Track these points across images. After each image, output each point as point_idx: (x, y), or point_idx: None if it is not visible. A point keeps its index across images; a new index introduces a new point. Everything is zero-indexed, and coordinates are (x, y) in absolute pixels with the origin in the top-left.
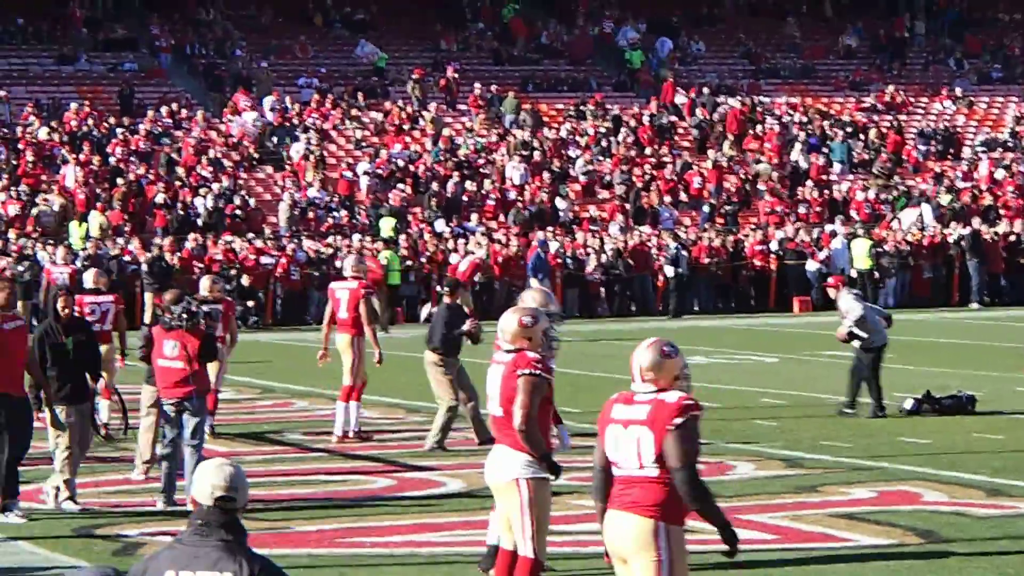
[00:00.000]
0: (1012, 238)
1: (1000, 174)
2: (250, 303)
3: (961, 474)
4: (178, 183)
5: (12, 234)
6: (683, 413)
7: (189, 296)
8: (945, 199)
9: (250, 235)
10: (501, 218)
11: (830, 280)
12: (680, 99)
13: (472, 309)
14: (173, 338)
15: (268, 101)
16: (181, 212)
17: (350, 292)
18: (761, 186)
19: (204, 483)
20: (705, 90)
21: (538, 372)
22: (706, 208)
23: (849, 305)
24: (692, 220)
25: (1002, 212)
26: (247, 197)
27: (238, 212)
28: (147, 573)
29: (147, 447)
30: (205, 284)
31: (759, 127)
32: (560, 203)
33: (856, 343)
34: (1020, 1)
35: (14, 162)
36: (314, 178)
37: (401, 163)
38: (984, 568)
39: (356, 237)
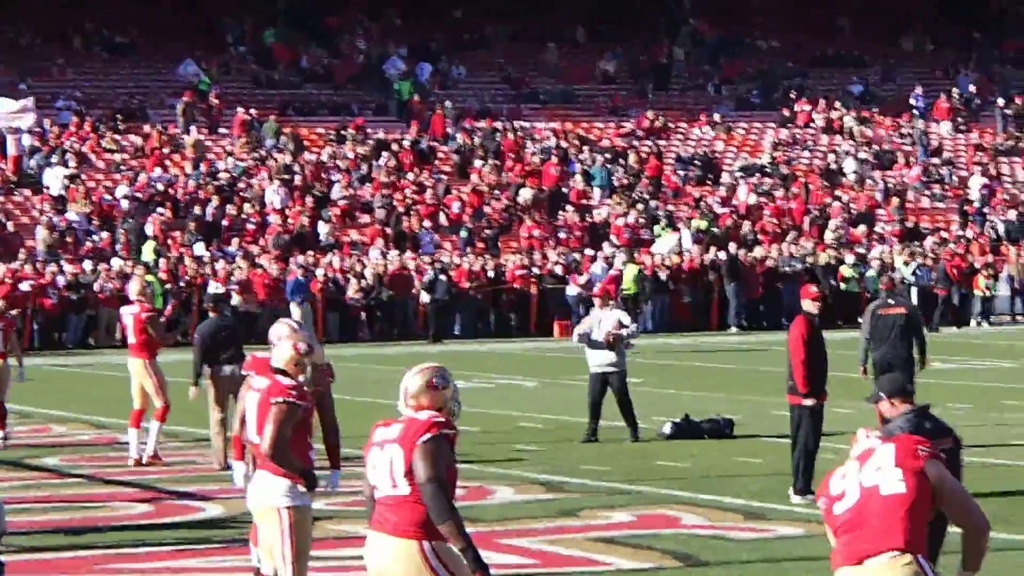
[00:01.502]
0: (770, 263)
1: (757, 199)
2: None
3: (719, 497)
4: None
5: None
6: (432, 430)
7: None
8: (703, 224)
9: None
10: (261, 241)
11: (596, 289)
12: (443, 125)
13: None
14: None
15: (26, 124)
16: None
17: (134, 317)
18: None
19: None
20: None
21: (291, 400)
22: (464, 233)
23: (622, 315)
24: (453, 244)
25: (760, 237)
26: (4, 221)
27: None
28: None
29: None
30: None
31: (520, 151)
32: (321, 227)
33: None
34: (778, 29)
35: None
36: (75, 202)
37: (161, 187)
38: None
39: (116, 261)
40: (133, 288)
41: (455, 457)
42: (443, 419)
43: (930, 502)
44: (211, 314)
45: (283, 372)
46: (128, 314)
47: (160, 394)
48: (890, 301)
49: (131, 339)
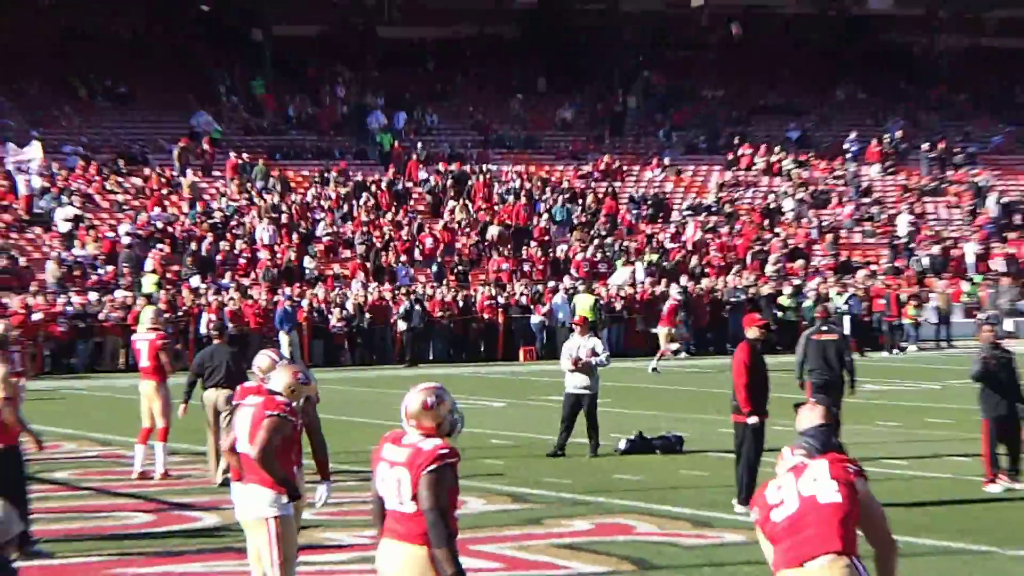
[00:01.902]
0: (716, 293)
1: (704, 236)
2: (15, 349)
3: (670, 507)
4: None
5: None
6: (437, 460)
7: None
8: (655, 258)
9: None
10: (252, 274)
11: (575, 319)
12: (417, 168)
13: None
14: None
15: (36, 168)
16: None
17: (149, 343)
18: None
19: None
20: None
21: (283, 414)
22: (436, 266)
23: (597, 344)
24: (427, 277)
25: (707, 270)
26: (17, 256)
27: (8, 269)
28: None
29: None
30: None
31: (488, 192)
32: (307, 261)
33: (592, 364)
34: (723, 79)
35: None
36: (85, 246)
37: (160, 224)
38: None
39: (119, 292)
40: (146, 317)
41: (457, 479)
42: (447, 449)
43: (858, 512)
44: (215, 341)
45: (278, 394)
46: (143, 340)
47: (164, 416)
48: (823, 328)
49: (144, 363)
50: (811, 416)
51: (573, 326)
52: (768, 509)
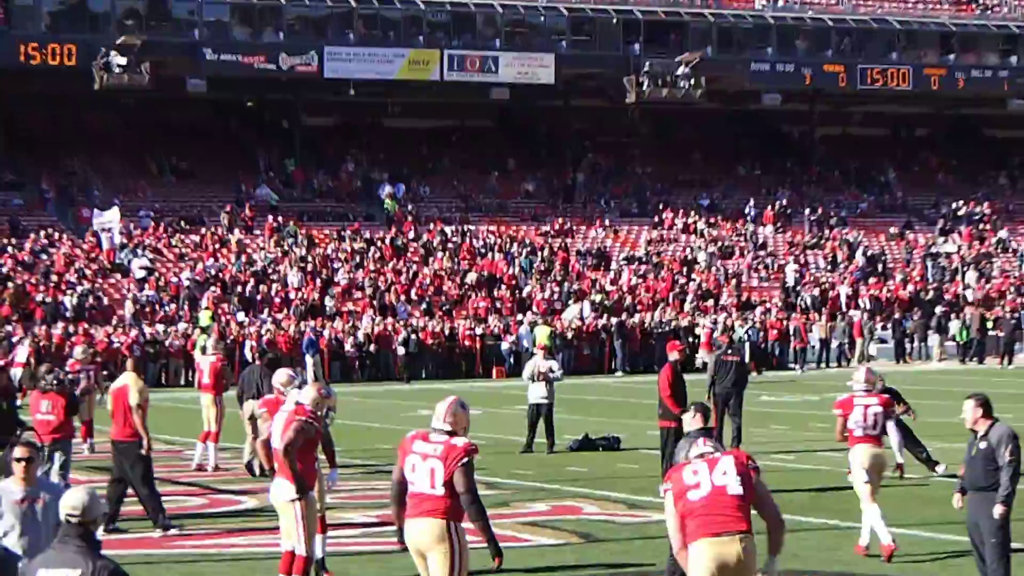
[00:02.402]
0: (646, 325)
1: (636, 280)
2: (104, 371)
3: (610, 493)
4: (52, 286)
5: None
6: (468, 455)
7: (59, 367)
8: (598, 298)
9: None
10: (285, 311)
11: (538, 345)
12: (413, 228)
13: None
14: (47, 398)
15: (117, 228)
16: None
17: (210, 364)
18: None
19: (63, 505)
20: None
21: (308, 419)
22: (428, 304)
23: (553, 364)
24: (420, 313)
25: (638, 307)
26: (102, 296)
27: (95, 306)
28: (26, 571)
29: None
30: (78, 352)
31: (469, 246)
32: (327, 301)
33: (549, 378)
34: (650, 160)
35: None
36: (152, 283)
37: (213, 272)
38: (625, 555)
39: (181, 325)
40: (210, 345)
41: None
42: (473, 446)
43: (753, 498)
44: (257, 362)
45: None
46: (206, 362)
47: (218, 423)
48: (728, 351)
49: (206, 380)
50: (694, 421)
51: (535, 351)
52: (685, 488)
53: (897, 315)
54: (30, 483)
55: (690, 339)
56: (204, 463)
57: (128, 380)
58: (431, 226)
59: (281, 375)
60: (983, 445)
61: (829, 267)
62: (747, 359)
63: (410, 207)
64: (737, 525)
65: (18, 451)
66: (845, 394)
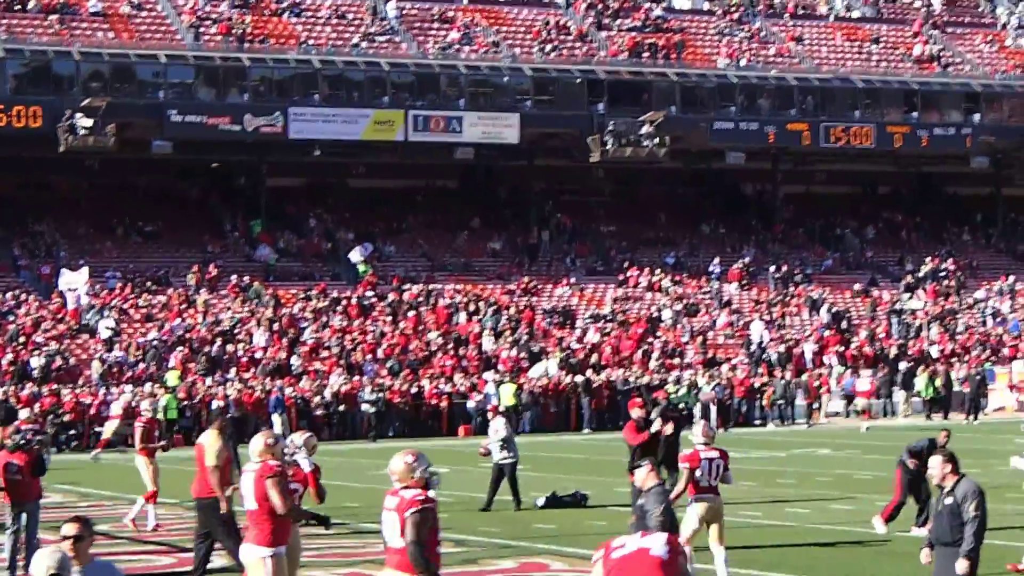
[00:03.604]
0: (612, 383)
1: (602, 338)
2: (71, 431)
3: (577, 550)
4: (19, 347)
5: None
6: (415, 504)
7: (31, 429)
8: (564, 355)
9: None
10: (252, 371)
11: (490, 406)
12: (379, 287)
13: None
14: (15, 459)
15: (84, 289)
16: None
17: (142, 423)
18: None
19: (40, 564)
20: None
21: (278, 471)
22: (394, 363)
23: (499, 428)
24: (387, 372)
25: (604, 364)
26: (69, 357)
27: (63, 367)
28: None
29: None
30: (23, 414)
31: (434, 305)
32: (294, 360)
33: (497, 456)
34: (615, 219)
35: None
36: (125, 350)
37: (180, 332)
38: None
39: (148, 385)
40: (155, 408)
41: (436, 521)
42: (423, 496)
43: (677, 569)
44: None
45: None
46: (139, 425)
47: (154, 481)
48: (669, 407)
49: (139, 444)
50: (650, 478)
51: (490, 415)
52: (611, 549)
53: (860, 372)
54: (82, 562)
55: (653, 397)
56: (160, 523)
57: (207, 440)
58: (397, 286)
59: (258, 441)
60: (949, 500)
61: (794, 324)
62: (697, 417)
63: (376, 266)
64: None
65: (67, 528)
66: (690, 449)
